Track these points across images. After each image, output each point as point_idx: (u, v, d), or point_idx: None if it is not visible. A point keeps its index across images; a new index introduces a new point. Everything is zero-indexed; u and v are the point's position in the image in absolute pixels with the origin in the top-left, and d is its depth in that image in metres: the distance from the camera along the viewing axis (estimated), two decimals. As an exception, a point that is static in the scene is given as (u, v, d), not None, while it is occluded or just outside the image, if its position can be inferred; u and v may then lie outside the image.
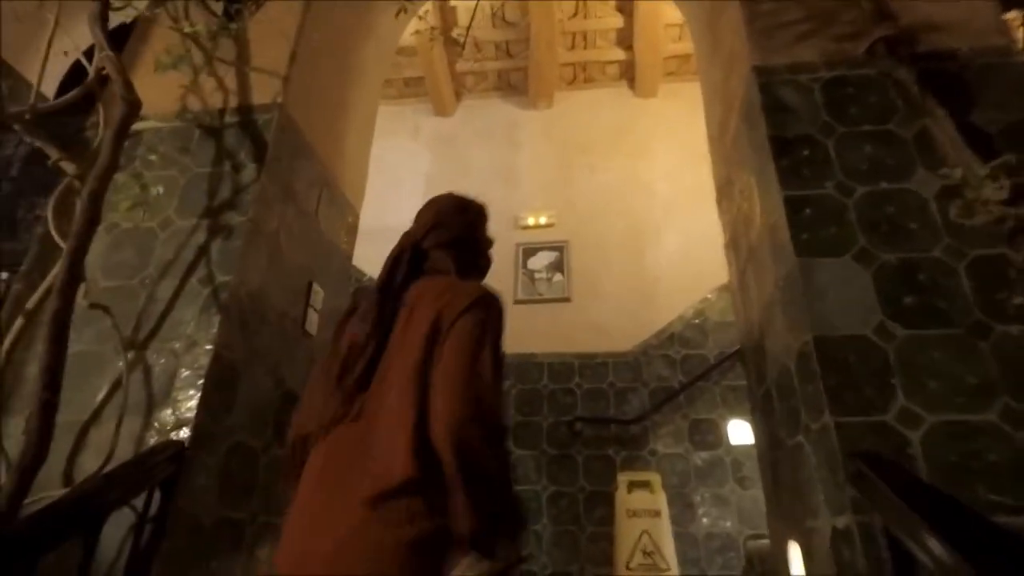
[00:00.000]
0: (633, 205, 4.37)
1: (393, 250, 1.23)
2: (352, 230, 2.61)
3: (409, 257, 1.20)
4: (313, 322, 2.15)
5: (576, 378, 3.70)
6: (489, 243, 1.44)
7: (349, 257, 2.61)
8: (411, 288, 1.15)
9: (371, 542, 0.88)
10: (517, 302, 4.07)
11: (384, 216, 4.89)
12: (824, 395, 1.35)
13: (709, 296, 3.89)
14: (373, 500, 0.90)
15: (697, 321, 3.81)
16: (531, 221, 4.37)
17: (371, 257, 4.48)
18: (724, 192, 2.32)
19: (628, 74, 4.85)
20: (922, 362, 1.36)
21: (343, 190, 2.51)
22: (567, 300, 4.02)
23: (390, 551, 0.87)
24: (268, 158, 1.93)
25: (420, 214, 1.35)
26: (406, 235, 1.28)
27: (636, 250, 4.18)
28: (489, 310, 1.08)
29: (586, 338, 3.84)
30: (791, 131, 1.69)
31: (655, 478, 3.06)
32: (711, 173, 4.32)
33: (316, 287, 2.18)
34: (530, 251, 4.24)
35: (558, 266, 4.17)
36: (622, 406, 3.59)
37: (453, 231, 1.30)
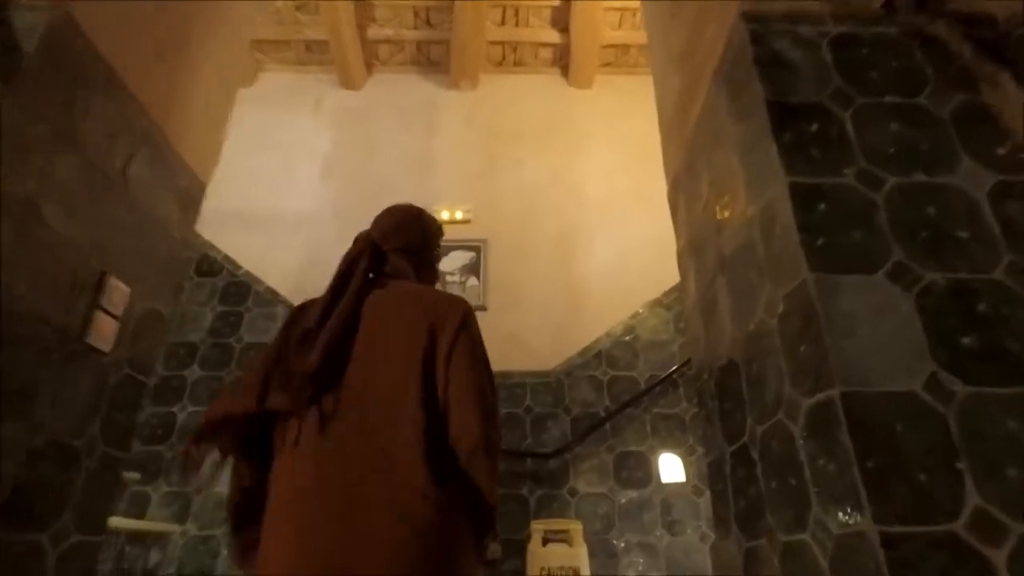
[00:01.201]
0: (562, 206, 3.89)
1: (351, 251, 1.29)
2: (191, 206, 1.92)
3: (370, 256, 1.27)
4: (105, 332, 1.46)
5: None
6: (439, 256, 1.55)
7: (187, 243, 1.91)
8: (377, 288, 1.23)
9: (409, 554, 0.93)
10: (424, 309, 3.47)
11: (275, 199, 4.15)
12: (861, 484, 0.88)
13: (640, 311, 3.46)
14: (405, 515, 0.95)
15: (627, 339, 3.37)
16: (445, 215, 3.79)
17: (253, 247, 3.73)
18: (681, 185, 1.85)
19: (562, 60, 4.39)
20: (995, 434, 0.92)
21: (180, 152, 1.82)
22: (482, 308, 3.47)
23: (424, 559, 0.94)
24: (25, 74, 1.24)
25: (379, 220, 1.43)
26: (363, 237, 1.35)
27: (563, 256, 3.69)
28: (475, 323, 1.25)
29: (502, 354, 3.27)
30: (794, 96, 1.23)
31: (575, 528, 2.56)
32: (649, 175, 3.84)
33: (115, 282, 1.49)
34: (444, 251, 3.64)
35: (473, 269, 3.60)
36: (540, 435, 3.07)
37: (412, 238, 1.40)
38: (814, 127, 1.19)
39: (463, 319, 1.18)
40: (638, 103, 4.32)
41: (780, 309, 1.12)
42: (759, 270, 1.22)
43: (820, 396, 0.98)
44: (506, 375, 3.23)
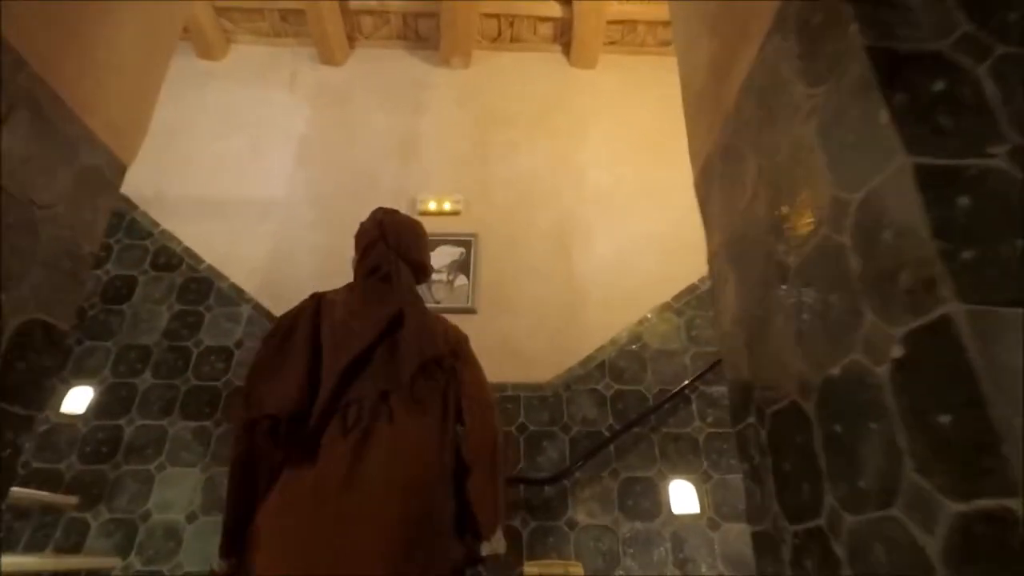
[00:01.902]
0: (561, 197, 3.51)
1: (381, 252, 1.66)
2: (104, 190, 1.53)
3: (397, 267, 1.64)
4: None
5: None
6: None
7: (90, 236, 1.51)
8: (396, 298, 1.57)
9: (436, 544, 1.26)
10: (405, 311, 3.10)
11: (243, 185, 3.73)
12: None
13: (648, 316, 3.10)
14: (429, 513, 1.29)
15: (634, 347, 3.01)
16: (432, 206, 3.41)
17: (217, 238, 3.34)
18: (713, 172, 1.48)
19: (564, 37, 4.00)
20: None
21: (87, 121, 1.43)
22: (471, 311, 3.10)
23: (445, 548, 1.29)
24: None
25: (396, 229, 1.76)
26: (389, 247, 1.68)
27: (562, 252, 3.32)
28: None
29: (493, 363, 2.91)
30: (905, 42, 0.87)
31: (576, 572, 2.21)
32: (656, 164, 3.48)
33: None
34: (429, 243, 3.26)
35: (463, 266, 3.23)
36: (535, 457, 2.71)
37: (421, 255, 1.82)
38: (939, 86, 0.82)
39: (464, 335, 1.91)
40: (645, 86, 3.96)
41: (896, 353, 0.76)
42: (851, 291, 0.85)
43: (984, 505, 0.62)
44: (497, 387, 2.85)
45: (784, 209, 1.07)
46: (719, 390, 2.89)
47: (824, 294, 0.93)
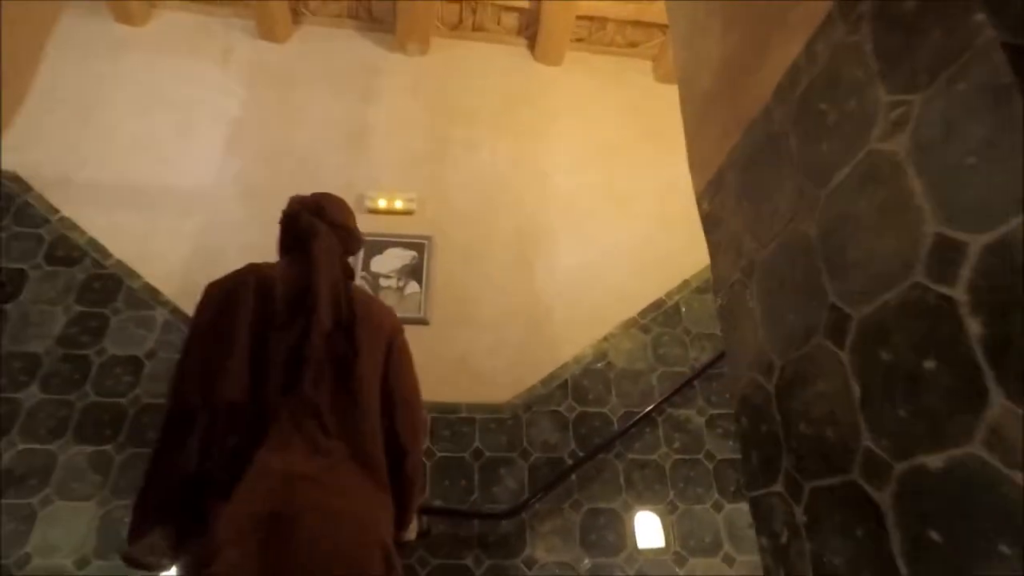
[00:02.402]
0: (524, 201, 3.27)
1: (304, 220, 1.48)
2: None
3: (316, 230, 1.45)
4: None
5: (427, 441, 2.51)
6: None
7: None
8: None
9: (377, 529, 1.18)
10: (349, 320, 2.78)
11: (164, 172, 3.28)
12: None
13: (614, 332, 2.91)
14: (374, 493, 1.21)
15: (598, 366, 2.81)
16: (382, 204, 3.09)
17: (130, 230, 2.88)
18: (726, 187, 1.28)
19: (529, 30, 3.76)
20: None
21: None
22: (423, 322, 2.81)
23: (382, 533, 1.19)
24: None
25: (317, 199, 1.58)
26: (311, 213, 1.51)
27: (523, 261, 3.08)
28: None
29: (446, 380, 2.67)
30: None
31: (537, 623, 1.98)
32: (622, 170, 3.28)
33: None
34: (376, 246, 2.96)
35: (415, 272, 2.94)
36: (491, 487, 2.46)
37: (347, 220, 1.60)
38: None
39: (400, 324, 1.55)
40: (612, 88, 3.78)
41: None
42: (966, 361, 0.65)
43: None
44: (450, 407, 2.59)
45: (848, 244, 0.87)
46: (686, 413, 2.73)
47: (915, 359, 0.72)
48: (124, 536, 1.18)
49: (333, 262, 1.39)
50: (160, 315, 2.68)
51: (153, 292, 2.73)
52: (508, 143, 3.44)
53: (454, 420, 2.56)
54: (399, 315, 2.78)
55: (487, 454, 2.52)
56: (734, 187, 1.24)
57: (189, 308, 2.68)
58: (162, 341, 2.62)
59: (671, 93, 4.02)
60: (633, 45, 3.86)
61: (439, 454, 2.48)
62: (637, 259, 3.13)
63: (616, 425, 2.65)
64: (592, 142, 3.52)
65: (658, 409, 2.67)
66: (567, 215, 3.24)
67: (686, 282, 3.09)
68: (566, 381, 2.74)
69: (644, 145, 3.55)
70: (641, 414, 2.63)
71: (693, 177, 1.48)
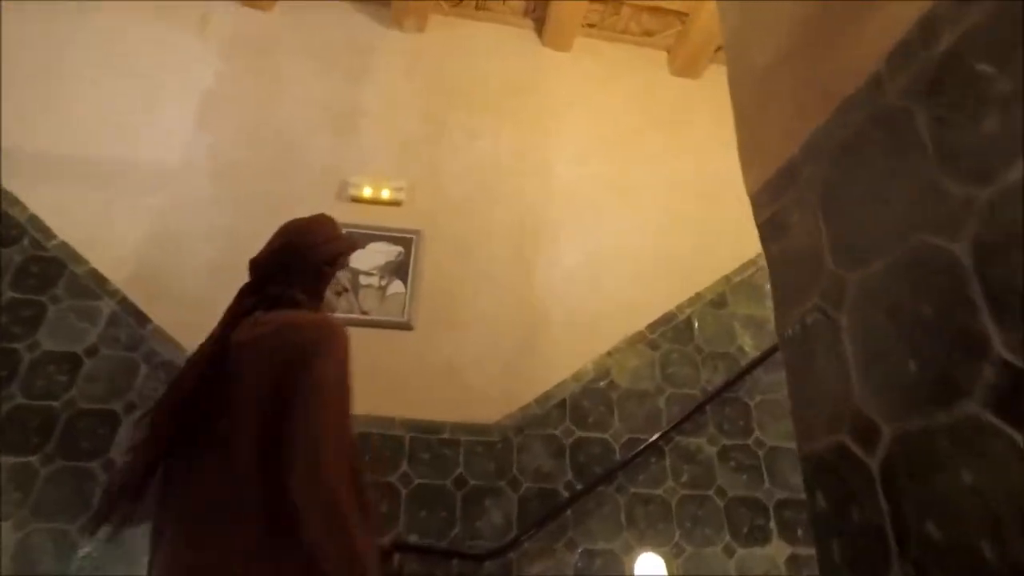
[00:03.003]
0: (524, 194, 2.97)
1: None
2: None
3: (248, 287, 1.21)
4: None
5: (404, 465, 2.21)
6: (327, 274, 1.30)
7: None
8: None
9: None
10: (323, 321, 2.47)
11: (126, 145, 2.93)
12: None
13: (619, 346, 2.61)
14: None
15: (600, 384, 2.51)
16: (368, 192, 2.78)
17: (81, 209, 2.50)
18: (806, 182, 0.98)
19: (537, 12, 3.45)
20: None
21: None
22: (406, 327, 2.51)
23: None
24: None
25: (279, 233, 1.31)
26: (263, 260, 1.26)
27: (521, 261, 2.78)
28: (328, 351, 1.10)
29: (428, 395, 2.37)
30: None
31: None
32: (632, 165, 2.96)
33: None
34: (358, 238, 2.64)
35: (400, 270, 2.63)
36: (473, 522, 2.16)
37: (283, 257, 1.25)
38: None
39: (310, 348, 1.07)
40: (624, 77, 3.49)
41: None
42: None
43: None
44: (432, 427, 2.29)
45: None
46: (696, 442, 2.45)
47: None
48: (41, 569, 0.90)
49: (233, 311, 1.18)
50: (106, 306, 2.36)
51: (100, 280, 2.40)
52: (510, 131, 3.14)
53: (435, 442, 2.26)
54: (378, 318, 2.49)
55: (471, 482, 2.22)
56: (815, 184, 0.95)
57: (140, 299, 2.38)
58: (106, 336, 2.30)
59: (686, 87, 3.79)
60: (648, 34, 3.57)
61: (417, 480, 2.17)
62: (646, 264, 2.84)
63: (618, 454, 2.35)
64: (600, 134, 3.22)
65: (665, 437, 2.38)
66: (571, 211, 2.94)
67: (699, 295, 2.80)
68: (564, 400, 2.44)
69: (655, 139, 3.26)
70: (647, 442, 2.34)
71: (746, 173, 1.19)
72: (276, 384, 1.01)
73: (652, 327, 2.69)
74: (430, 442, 2.24)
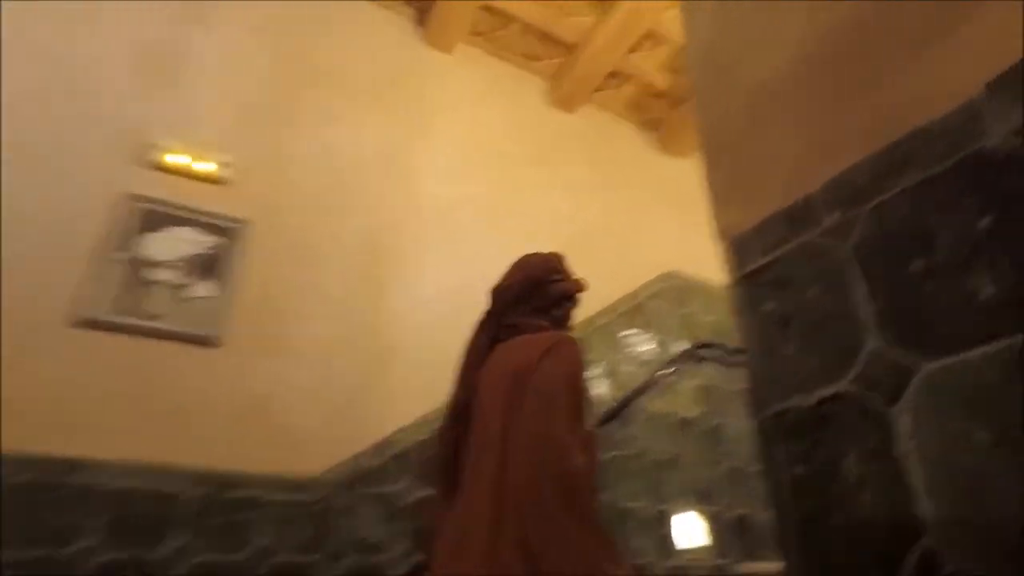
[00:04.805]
0: (385, 201, 2.54)
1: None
2: None
3: (487, 324, 1.33)
4: None
5: (180, 536, 1.60)
6: (554, 298, 1.32)
7: None
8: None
9: None
10: (82, 324, 1.77)
11: None
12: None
13: (475, 389, 2.27)
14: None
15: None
16: (180, 160, 2.14)
17: None
18: (807, 224, 0.75)
19: (421, 1, 3.09)
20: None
21: None
22: (211, 343, 1.91)
23: None
24: None
25: (506, 275, 1.41)
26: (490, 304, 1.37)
27: (371, 280, 2.33)
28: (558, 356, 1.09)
29: (230, 438, 1.79)
30: None
31: None
32: (504, 189, 2.76)
33: None
34: (156, 218, 1.99)
35: (212, 268, 2.02)
36: (271, 613, 1.62)
37: (516, 288, 1.34)
38: None
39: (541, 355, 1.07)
40: (503, 97, 3.26)
41: None
42: None
43: None
44: (230, 481, 1.72)
45: None
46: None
47: None
48: None
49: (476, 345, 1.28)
50: None
51: None
52: (376, 125, 2.69)
53: (229, 501, 1.69)
54: (171, 328, 1.84)
55: (276, 558, 1.69)
56: (850, 235, 0.71)
57: None
58: None
59: (562, 121, 3.65)
60: (533, 57, 3.40)
61: (196, 558, 1.58)
62: (512, 301, 2.57)
63: (464, 517, 1.99)
64: (475, 153, 2.93)
65: (519, 498, 2.07)
66: (437, 233, 2.57)
67: (561, 338, 2.59)
68: (403, 453, 2.02)
69: (531, 171, 3.06)
70: (499, 505, 2.00)
71: (720, 210, 0.94)
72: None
73: (511, 369, 2.40)
74: (223, 502, 1.67)
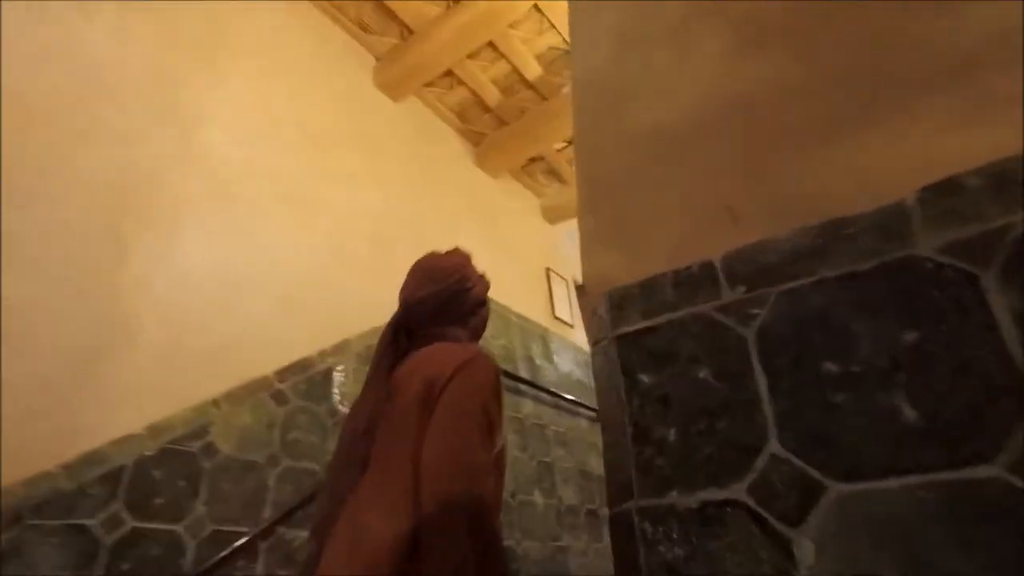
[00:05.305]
0: (148, 141, 1.98)
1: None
2: None
3: (395, 324, 1.17)
4: None
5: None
6: (471, 307, 1.21)
7: None
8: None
9: None
10: None
11: None
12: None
13: (234, 392, 1.87)
14: None
15: (192, 447, 1.71)
16: None
17: None
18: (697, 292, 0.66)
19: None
20: None
21: None
22: None
23: None
24: None
25: (411, 279, 1.25)
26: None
27: (113, 241, 1.78)
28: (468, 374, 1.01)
29: None
30: None
31: None
32: (303, 166, 2.49)
33: None
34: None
35: None
36: None
37: (430, 293, 1.19)
38: None
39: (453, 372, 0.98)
40: (325, 62, 2.90)
41: None
42: None
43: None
44: None
45: None
46: (301, 535, 1.87)
47: None
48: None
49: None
50: None
51: None
52: (150, 34, 2.10)
53: None
54: None
55: None
56: (753, 316, 0.63)
57: None
58: None
59: (385, 107, 3.33)
60: (364, 28, 3.07)
61: None
62: (296, 292, 2.21)
63: (189, 555, 1.59)
64: (280, 117, 2.49)
65: (265, 533, 1.74)
66: (215, 198, 2.09)
67: (347, 342, 2.31)
68: (121, 468, 1.54)
69: (344, 153, 2.73)
70: (239, 541, 1.65)
71: (591, 255, 0.82)
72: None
73: (282, 374, 2.04)
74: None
